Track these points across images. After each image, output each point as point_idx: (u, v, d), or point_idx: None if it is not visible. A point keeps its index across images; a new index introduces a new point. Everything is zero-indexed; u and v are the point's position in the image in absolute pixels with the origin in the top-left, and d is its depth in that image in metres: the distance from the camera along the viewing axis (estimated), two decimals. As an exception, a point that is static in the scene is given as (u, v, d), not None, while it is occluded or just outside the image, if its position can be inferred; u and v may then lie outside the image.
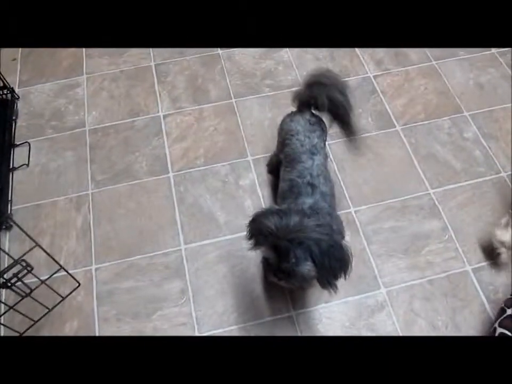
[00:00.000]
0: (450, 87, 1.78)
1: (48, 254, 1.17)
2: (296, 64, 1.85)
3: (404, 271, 1.37)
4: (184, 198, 1.51)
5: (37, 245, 1.11)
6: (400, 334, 1.26)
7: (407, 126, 1.67)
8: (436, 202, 1.49)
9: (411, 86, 1.78)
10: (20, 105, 1.74)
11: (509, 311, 1.16)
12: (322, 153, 1.24)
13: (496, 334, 1.14)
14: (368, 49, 1.89)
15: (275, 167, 1.48)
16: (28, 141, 1.63)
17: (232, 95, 1.76)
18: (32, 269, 1.11)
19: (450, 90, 1.77)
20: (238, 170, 1.57)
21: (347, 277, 1.03)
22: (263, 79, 1.80)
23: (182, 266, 1.38)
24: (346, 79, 1.78)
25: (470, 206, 1.49)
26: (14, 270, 1.09)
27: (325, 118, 1.31)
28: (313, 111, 1.31)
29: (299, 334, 1.26)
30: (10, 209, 1.48)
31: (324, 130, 1.32)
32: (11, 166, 1.57)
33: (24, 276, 1.11)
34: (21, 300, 1.18)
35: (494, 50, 1.88)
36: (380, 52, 1.88)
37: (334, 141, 1.61)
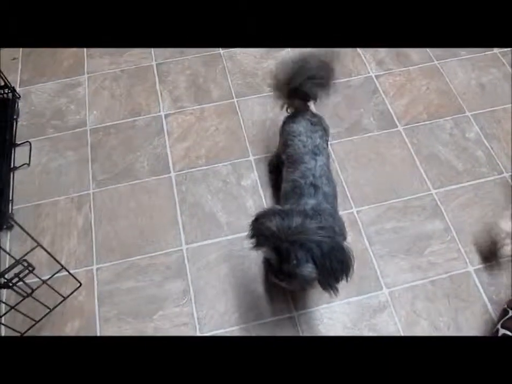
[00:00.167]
0: (452, 87, 1.77)
1: (49, 254, 1.17)
2: (297, 63, 1.84)
3: (406, 272, 1.36)
4: (185, 198, 1.51)
5: (39, 245, 1.10)
6: (402, 335, 1.26)
7: (409, 126, 1.67)
8: (438, 203, 1.49)
9: (413, 86, 1.78)
10: (20, 104, 1.73)
11: (511, 313, 1.16)
12: (324, 154, 1.24)
13: (499, 335, 1.13)
14: (369, 49, 1.88)
15: (276, 167, 1.48)
16: (29, 140, 1.63)
17: (233, 94, 1.75)
18: (33, 269, 1.11)
19: (452, 90, 1.76)
20: (240, 170, 1.56)
21: (348, 279, 1.03)
22: (264, 78, 1.79)
23: (183, 267, 1.38)
24: (348, 79, 1.78)
25: (473, 206, 1.48)
26: (16, 270, 1.08)
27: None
28: (314, 112, 1.31)
29: (300, 335, 1.26)
30: (11, 209, 1.48)
31: (325, 130, 1.31)
32: (12, 166, 1.57)
33: (25, 276, 1.11)
34: (22, 300, 1.18)
35: (496, 50, 1.88)
36: (382, 52, 1.88)
37: (336, 141, 1.61)
